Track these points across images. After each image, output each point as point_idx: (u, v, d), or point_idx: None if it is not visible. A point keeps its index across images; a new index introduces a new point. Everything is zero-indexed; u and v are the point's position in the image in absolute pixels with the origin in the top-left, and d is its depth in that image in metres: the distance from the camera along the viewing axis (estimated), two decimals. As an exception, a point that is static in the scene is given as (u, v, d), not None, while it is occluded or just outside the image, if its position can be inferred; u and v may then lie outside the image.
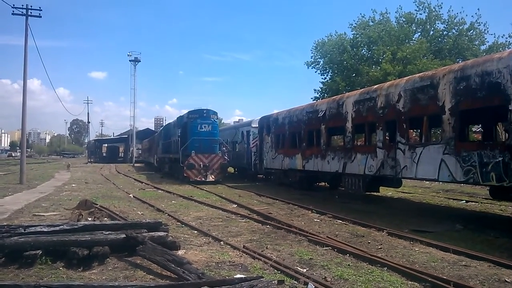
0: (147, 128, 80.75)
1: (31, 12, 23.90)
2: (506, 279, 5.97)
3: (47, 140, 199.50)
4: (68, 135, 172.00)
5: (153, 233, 7.32)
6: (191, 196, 16.29)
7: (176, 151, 25.87)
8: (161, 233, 7.39)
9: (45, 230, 7.04)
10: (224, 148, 26.21)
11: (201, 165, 22.94)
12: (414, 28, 35.24)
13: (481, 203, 14.49)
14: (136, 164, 54.87)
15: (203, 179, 22.77)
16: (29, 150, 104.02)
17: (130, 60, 61.88)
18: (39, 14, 24.27)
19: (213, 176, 23.16)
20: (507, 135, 10.04)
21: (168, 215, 11.63)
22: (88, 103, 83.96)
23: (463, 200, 15.29)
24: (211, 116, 24.38)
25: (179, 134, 25.95)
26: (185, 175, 22.87)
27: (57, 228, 7.19)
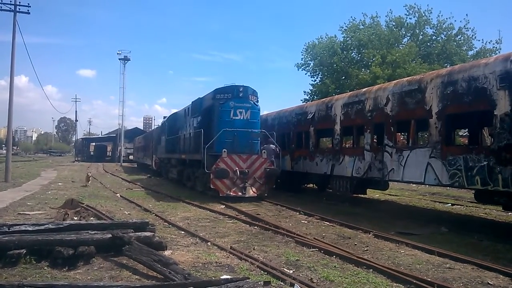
0: (136, 127, 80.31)
1: (19, 8, 23.65)
2: (489, 282, 6.05)
3: (34, 138, 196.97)
4: (55, 133, 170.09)
5: (139, 233, 7.28)
6: (179, 196, 16.23)
7: (191, 149, 18.00)
8: (148, 233, 7.35)
9: (30, 229, 6.96)
10: (272, 146, 16.99)
11: (237, 172, 15.08)
12: (404, 32, 35.63)
13: (466, 206, 14.68)
14: (124, 164, 54.44)
15: (239, 193, 15.02)
16: (15, 148, 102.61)
17: (119, 59, 61.60)
18: (28, 10, 24.00)
19: (254, 189, 15.33)
20: (492, 139, 10.19)
21: (155, 215, 11.57)
22: (76, 101, 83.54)
23: (448, 203, 15.49)
24: (249, 97, 16.24)
25: (195, 125, 17.96)
26: (212, 187, 15.06)
27: (42, 227, 7.11)
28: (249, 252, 7.50)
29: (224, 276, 5.65)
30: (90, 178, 22.12)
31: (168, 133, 24.76)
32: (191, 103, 19.40)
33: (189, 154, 18.33)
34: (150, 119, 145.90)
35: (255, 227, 10.10)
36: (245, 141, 15.77)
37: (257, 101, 16.70)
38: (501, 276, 6.33)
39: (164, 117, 28.80)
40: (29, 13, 24.06)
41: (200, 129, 16.35)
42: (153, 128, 73.94)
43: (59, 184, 21.31)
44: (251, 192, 15.26)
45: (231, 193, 15.00)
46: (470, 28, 33.29)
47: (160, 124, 30.93)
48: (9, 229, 6.88)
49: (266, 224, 10.15)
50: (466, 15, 36.14)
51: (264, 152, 15.98)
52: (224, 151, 15.13)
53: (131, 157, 61.21)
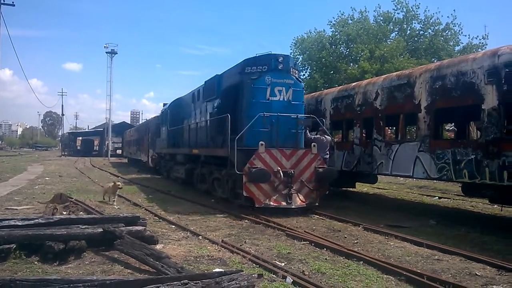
0: (123, 122, 79.60)
1: (4, 0, 23.23)
2: (477, 273, 6.18)
3: (19, 132, 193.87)
4: (41, 127, 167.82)
5: (130, 227, 7.25)
6: (168, 190, 16.17)
7: (208, 142, 13.99)
8: (139, 227, 7.33)
9: (19, 224, 6.89)
10: (327, 138, 12.75)
11: (280, 174, 11.05)
12: (392, 27, 35.84)
13: (453, 199, 14.91)
14: (112, 159, 53.91)
15: (283, 203, 11.01)
16: (0, 142, 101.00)
17: (106, 52, 60.70)
18: (12, 2, 23.61)
19: (301, 198, 11.29)
20: (479, 133, 10.35)
21: (145, 209, 11.52)
22: (62, 95, 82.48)
23: (436, 197, 15.70)
24: (290, 71, 12.08)
25: (212, 110, 14.03)
26: (245, 194, 10.91)
27: (32, 222, 7.04)
28: (240, 245, 7.53)
29: (217, 269, 5.67)
30: (118, 190, 12.86)
31: (171, 123, 20.18)
32: (203, 83, 15.33)
33: (206, 149, 14.19)
34: (138, 113, 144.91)
35: (246, 220, 10.13)
36: (288, 131, 11.68)
37: (300, 76, 12.83)
38: (488, 267, 6.46)
39: (164, 104, 24.07)
40: (13, 5, 23.72)
41: (222, 114, 12.25)
42: (140, 122, 73.57)
43: (46, 178, 21.05)
44: (298, 201, 11.19)
45: (272, 203, 10.94)
46: (457, 23, 33.67)
47: (160, 112, 24.64)
48: (-3, 224, 6.79)
49: (257, 218, 10.19)
50: (454, 10, 36.46)
51: (314, 145, 11.78)
52: (262, 144, 11.05)
53: (118, 151, 60.75)
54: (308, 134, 12.59)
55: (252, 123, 11.22)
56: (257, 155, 11.01)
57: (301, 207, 11.23)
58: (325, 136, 12.66)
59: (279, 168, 11.04)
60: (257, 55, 12.21)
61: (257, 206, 10.92)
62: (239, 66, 12.47)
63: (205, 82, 15.11)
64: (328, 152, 12.54)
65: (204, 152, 14.35)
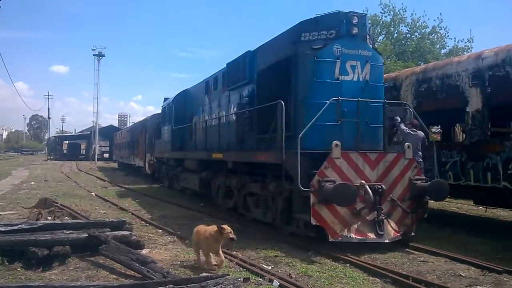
0: (111, 125, 78.94)
1: (-13, 2, 22.90)
2: (461, 274, 6.24)
3: (4, 136, 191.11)
4: (27, 131, 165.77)
5: (116, 232, 7.18)
6: (156, 195, 16.06)
7: (237, 143, 10.57)
8: (125, 232, 7.26)
9: (2, 229, 6.78)
10: (419, 134, 8.78)
11: (367, 190, 7.20)
12: (379, 30, 36.15)
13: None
14: (99, 163, 53.33)
15: (370, 236, 7.36)
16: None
17: (94, 55, 60.13)
18: (-3, 4, 23.29)
19: (394, 225, 7.68)
20: (464, 136, 10.47)
21: (132, 214, 11.44)
22: (48, 98, 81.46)
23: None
24: (366, 38, 8.42)
25: (240, 101, 10.60)
26: (313, 222, 7.18)
27: (15, 227, 6.94)
28: (228, 249, 7.49)
29: (204, 274, 5.63)
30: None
31: (176, 121, 16.35)
32: (225, 65, 11.73)
33: (237, 152, 10.39)
34: (125, 116, 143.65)
35: (236, 224, 10.07)
36: (365, 125, 8.08)
37: (372, 43, 9.26)
38: (473, 268, 6.54)
39: (165, 99, 19.50)
40: (-2, 6, 23.35)
41: (257, 105, 9.34)
42: (128, 125, 73.01)
43: (32, 183, 20.76)
44: (392, 231, 7.64)
45: (354, 235, 7.40)
46: (443, 27, 34.07)
47: (161, 108, 19.95)
48: (-20, 230, 6.68)
49: (246, 222, 10.16)
50: (440, 14, 36.84)
51: (409, 146, 8.09)
52: (337, 146, 7.44)
53: (106, 155, 60.34)
54: (402, 126, 8.85)
55: (322, 113, 7.49)
56: (329, 162, 7.39)
57: (396, 239, 7.69)
58: (413, 130, 8.81)
59: (363, 181, 7.40)
60: (317, 15, 8.34)
61: (331, 239, 7.33)
62: (292, 32, 8.66)
63: (227, 64, 11.54)
64: (421, 155, 8.81)
65: (233, 158, 10.44)
